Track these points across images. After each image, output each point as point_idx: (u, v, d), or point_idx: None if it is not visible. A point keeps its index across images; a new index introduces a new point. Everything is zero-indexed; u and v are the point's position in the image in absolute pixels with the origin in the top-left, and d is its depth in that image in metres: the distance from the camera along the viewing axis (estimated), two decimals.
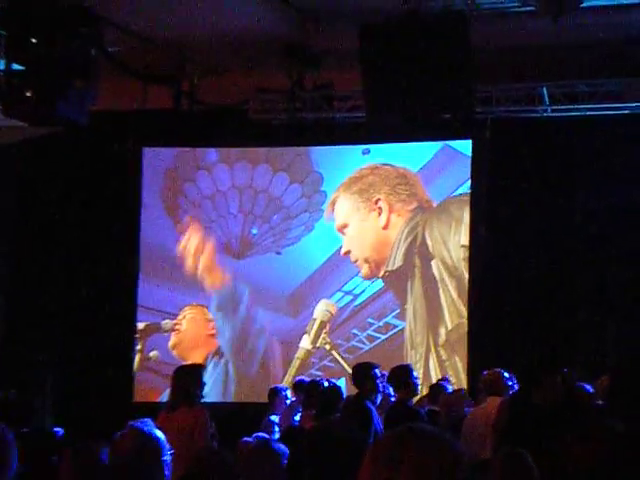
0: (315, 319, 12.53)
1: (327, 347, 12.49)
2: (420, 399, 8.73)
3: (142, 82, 11.97)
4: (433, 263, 12.25)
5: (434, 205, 12.42)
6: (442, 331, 12.13)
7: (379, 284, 12.48)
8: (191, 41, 11.43)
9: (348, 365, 11.95)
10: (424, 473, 2.31)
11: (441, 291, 12.19)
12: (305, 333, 12.56)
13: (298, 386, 10.04)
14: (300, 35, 11.04)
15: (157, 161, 13.39)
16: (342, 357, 12.40)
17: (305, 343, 12.55)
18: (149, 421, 4.14)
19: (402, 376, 8.37)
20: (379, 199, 12.54)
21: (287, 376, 12.42)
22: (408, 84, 9.95)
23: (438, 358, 12.07)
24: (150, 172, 13.32)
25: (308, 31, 10.91)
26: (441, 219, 12.36)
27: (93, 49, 9.38)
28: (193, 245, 13.01)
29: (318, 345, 12.51)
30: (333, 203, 12.67)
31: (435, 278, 12.23)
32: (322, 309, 12.54)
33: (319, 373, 12.22)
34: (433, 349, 12.10)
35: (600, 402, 7.95)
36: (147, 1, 9.87)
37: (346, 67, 10.95)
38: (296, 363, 12.52)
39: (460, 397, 8.77)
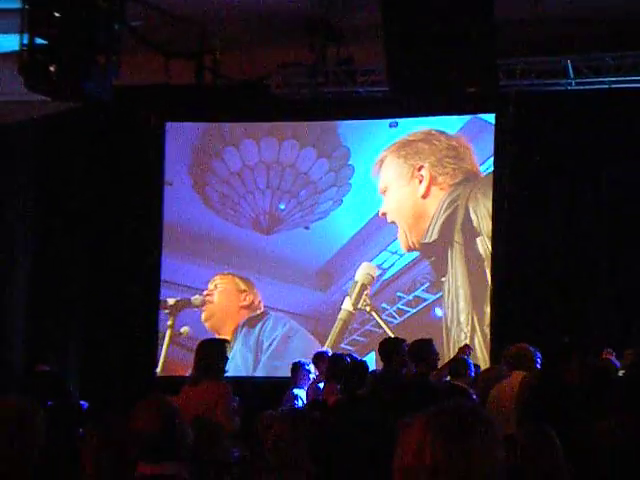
0: (356, 282, 12.57)
1: (367, 309, 12.52)
2: (439, 371, 8.71)
3: (165, 57, 11.95)
4: (478, 240, 12.19)
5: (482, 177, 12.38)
6: (488, 310, 12.08)
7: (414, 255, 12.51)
8: (213, 16, 11.40)
9: (389, 329, 12.03)
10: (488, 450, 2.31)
11: (487, 270, 12.12)
12: (347, 295, 12.58)
13: (319, 358, 10.06)
14: (322, 9, 11.00)
15: (181, 136, 13.40)
16: (383, 320, 12.42)
17: (347, 305, 12.60)
18: (166, 397, 4.17)
19: (423, 350, 8.38)
20: (422, 166, 12.50)
21: (329, 340, 12.47)
22: (431, 58, 9.90)
23: (484, 338, 12.03)
24: (174, 147, 13.34)
25: (330, 5, 10.86)
26: (487, 194, 12.29)
27: (116, 24, 9.38)
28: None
29: (360, 307, 12.55)
30: (380, 163, 12.65)
31: (481, 256, 12.17)
32: (363, 272, 12.57)
33: (362, 339, 12.32)
34: (478, 328, 12.06)
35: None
36: None
37: (368, 41, 10.90)
38: (338, 324, 12.57)
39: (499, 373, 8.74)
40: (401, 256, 12.49)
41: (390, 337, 9.12)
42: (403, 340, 8.57)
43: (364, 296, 12.52)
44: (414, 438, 2.34)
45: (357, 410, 6.90)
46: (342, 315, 12.61)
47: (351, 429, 6.45)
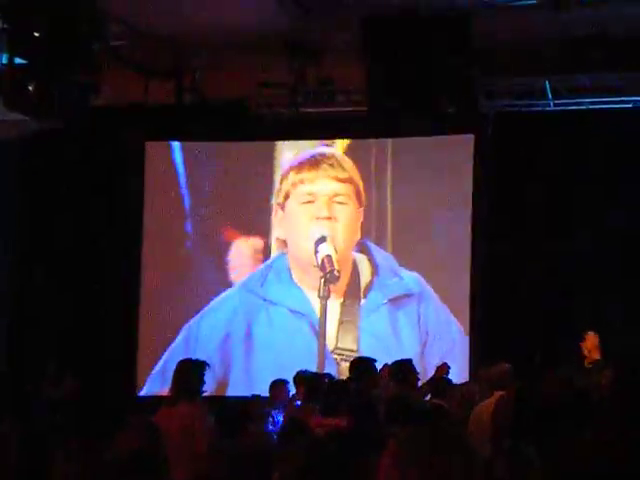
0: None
1: None
2: (419, 391, 8.72)
3: (144, 76, 11.98)
4: None
5: None
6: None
7: None
8: (193, 35, 11.43)
9: None
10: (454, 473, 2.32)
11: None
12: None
13: (299, 377, 10.02)
14: (301, 29, 11.03)
15: (160, 155, 13.37)
16: None
17: None
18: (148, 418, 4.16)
19: (403, 371, 8.40)
20: None
21: None
22: (411, 78, 9.94)
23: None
24: (153, 166, 13.30)
25: (309, 25, 10.90)
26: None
27: (96, 43, 9.39)
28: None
29: None
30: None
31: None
32: None
33: None
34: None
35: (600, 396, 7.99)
36: None
37: (348, 62, 10.95)
38: None
39: (473, 388, 8.76)
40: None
41: (361, 357, 9.13)
42: (374, 360, 8.61)
43: None
44: (386, 462, 2.35)
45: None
46: None
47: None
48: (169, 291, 13.05)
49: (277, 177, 12.77)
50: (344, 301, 12.37)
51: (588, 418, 5.89)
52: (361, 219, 12.50)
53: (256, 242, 12.86)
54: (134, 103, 12.39)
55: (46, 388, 11.70)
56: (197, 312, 12.81)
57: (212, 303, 12.79)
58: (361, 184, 12.49)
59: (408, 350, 11.78)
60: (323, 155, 12.62)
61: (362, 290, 12.37)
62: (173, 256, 13.12)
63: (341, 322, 12.34)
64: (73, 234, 13.30)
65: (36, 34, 8.85)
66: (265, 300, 12.60)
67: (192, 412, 7.09)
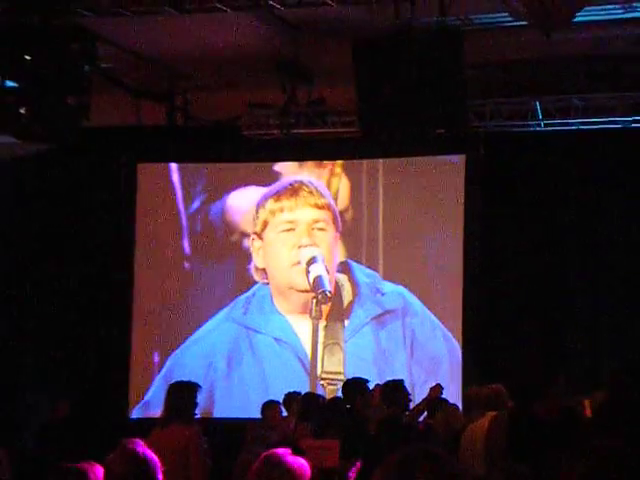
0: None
1: None
2: (412, 412, 8.71)
3: (135, 98, 11.99)
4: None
5: None
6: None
7: None
8: (184, 57, 11.45)
9: None
10: None
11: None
12: None
13: (289, 398, 10.00)
14: (293, 51, 11.06)
15: (152, 177, 13.37)
16: None
17: None
18: (140, 442, 4.13)
19: (395, 392, 8.40)
20: None
21: None
22: (401, 99, 9.95)
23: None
24: (145, 188, 13.30)
25: (301, 47, 10.93)
26: None
27: (86, 65, 9.39)
28: None
29: None
30: None
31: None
32: None
33: None
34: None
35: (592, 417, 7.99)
36: (140, 18, 9.87)
37: (339, 83, 10.97)
38: None
39: (458, 412, 8.78)
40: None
41: (353, 378, 9.13)
42: (366, 380, 8.61)
43: None
44: None
45: None
46: None
47: None
48: (161, 315, 13.05)
49: (252, 207, 12.76)
50: (327, 324, 12.36)
51: (580, 436, 5.89)
52: (338, 243, 12.53)
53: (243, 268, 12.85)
54: (126, 125, 12.41)
55: (38, 411, 11.71)
56: (186, 338, 12.84)
57: (196, 333, 12.78)
58: (337, 209, 12.55)
59: (395, 367, 11.81)
60: (301, 183, 12.64)
61: (345, 310, 12.37)
62: (165, 280, 13.11)
63: (326, 345, 12.33)
64: (65, 256, 13.28)
65: (27, 57, 8.85)
66: (248, 328, 12.59)
67: (185, 434, 7.08)
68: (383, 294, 12.30)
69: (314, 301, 12.20)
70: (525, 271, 12.01)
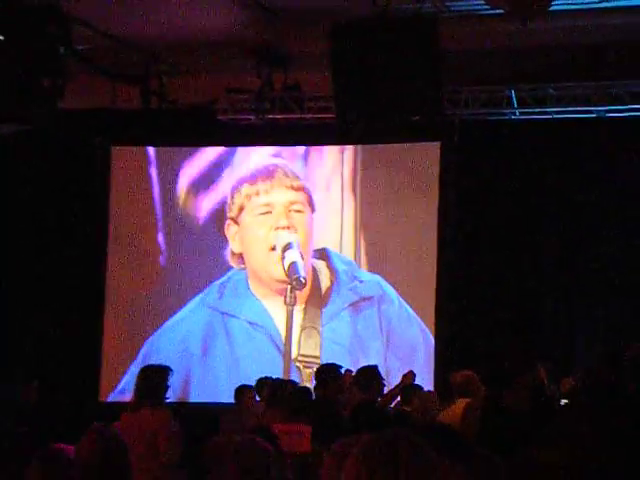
0: None
1: None
2: (385, 398, 8.74)
3: (111, 81, 11.94)
4: None
5: None
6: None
7: None
8: (160, 40, 11.41)
9: None
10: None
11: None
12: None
13: (261, 384, 10.02)
14: (269, 36, 11.05)
15: (127, 160, 13.32)
16: None
17: None
18: (109, 426, 4.15)
19: (369, 378, 8.41)
20: None
21: None
22: (377, 86, 9.97)
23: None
24: (119, 171, 13.25)
25: (277, 32, 10.91)
26: None
27: (62, 47, 9.34)
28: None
29: None
30: None
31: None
32: None
33: None
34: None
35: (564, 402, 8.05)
36: (117, 1, 9.84)
37: (315, 69, 10.96)
38: None
39: (434, 398, 8.81)
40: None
41: (326, 364, 9.14)
42: (339, 366, 8.63)
43: None
44: (350, 469, 2.35)
45: None
46: None
47: None
48: (134, 301, 13.03)
49: (227, 192, 12.75)
50: (305, 308, 12.38)
51: (553, 424, 5.92)
52: (313, 225, 12.53)
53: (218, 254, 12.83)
54: (100, 107, 12.35)
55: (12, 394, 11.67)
56: (161, 325, 12.83)
57: (172, 319, 12.76)
58: (311, 190, 12.54)
59: (371, 354, 11.83)
60: (275, 165, 12.62)
61: (322, 296, 12.39)
62: (139, 267, 13.07)
63: (303, 328, 12.35)
64: (38, 240, 13.22)
65: (1, 38, 8.80)
66: (223, 313, 12.58)
67: (156, 417, 7.07)
68: (361, 281, 12.32)
69: (289, 287, 12.21)
70: (500, 259, 12.04)
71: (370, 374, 8.51)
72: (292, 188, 12.52)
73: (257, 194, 12.54)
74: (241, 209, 12.60)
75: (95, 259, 13.04)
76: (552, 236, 12.08)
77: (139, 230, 13.15)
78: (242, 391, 10.15)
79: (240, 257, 12.62)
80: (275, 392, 8.77)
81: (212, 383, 12.46)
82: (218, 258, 12.73)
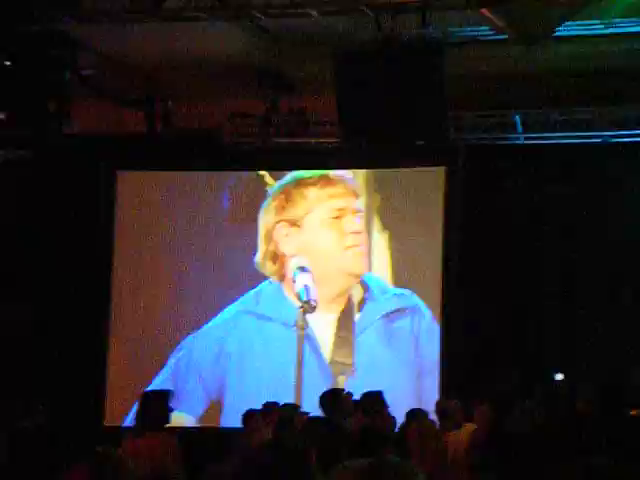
0: None
1: None
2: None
3: (116, 106, 11.97)
4: None
5: None
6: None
7: None
8: (165, 66, 11.45)
9: None
10: None
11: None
12: None
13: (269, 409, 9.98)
14: (274, 61, 11.08)
15: (131, 185, 13.33)
16: None
17: None
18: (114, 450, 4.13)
19: (373, 403, 8.43)
20: None
21: None
22: (382, 111, 9.98)
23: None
24: (124, 196, 13.26)
25: (282, 57, 10.94)
26: None
27: (67, 72, 9.38)
28: None
29: None
30: None
31: None
32: None
33: None
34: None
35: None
36: (122, 26, 9.86)
37: (320, 93, 10.99)
38: None
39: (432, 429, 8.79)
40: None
41: (330, 389, 9.12)
42: (342, 390, 8.64)
43: None
44: None
45: None
46: None
47: None
48: (140, 325, 13.04)
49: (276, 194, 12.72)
50: (339, 316, 12.39)
51: (549, 448, 5.93)
52: None
53: (229, 273, 12.83)
54: (105, 132, 12.38)
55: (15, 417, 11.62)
56: (172, 350, 12.82)
57: (211, 322, 12.76)
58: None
59: (403, 365, 11.85)
60: (337, 175, 12.69)
61: (356, 306, 12.41)
62: (145, 287, 13.08)
63: (338, 336, 12.37)
64: (43, 262, 13.21)
65: (7, 63, 8.83)
66: (259, 317, 12.59)
67: (161, 443, 7.03)
68: (394, 294, 12.37)
69: (300, 310, 12.18)
70: (504, 281, 12.03)
71: (373, 399, 8.51)
72: (355, 195, 12.64)
73: (331, 197, 12.64)
74: (308, 211, 12.63)
75: (100, 283, 13.04)
76: (556, 259, 12.07)
77: (144, 253, 13.15)
78: (249, 416, 10.10)
79: (289, 259, 12.58)
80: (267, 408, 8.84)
81: (249, 386, 12.45)
82: (226, 278, 12.74)
